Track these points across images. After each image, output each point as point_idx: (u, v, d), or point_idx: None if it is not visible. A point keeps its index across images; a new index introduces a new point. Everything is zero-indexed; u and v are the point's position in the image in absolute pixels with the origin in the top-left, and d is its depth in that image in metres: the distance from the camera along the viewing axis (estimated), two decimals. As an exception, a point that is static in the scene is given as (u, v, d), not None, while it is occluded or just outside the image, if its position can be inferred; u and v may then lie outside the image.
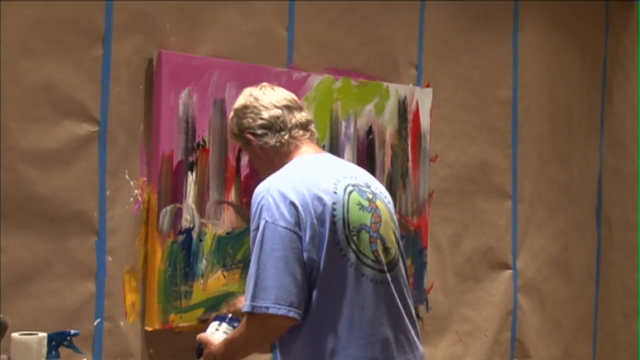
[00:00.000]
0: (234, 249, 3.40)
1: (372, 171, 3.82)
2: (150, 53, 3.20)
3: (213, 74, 3.32)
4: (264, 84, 2.55)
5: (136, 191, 3.19)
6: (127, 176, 3.17)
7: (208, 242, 3.32)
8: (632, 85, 5.02)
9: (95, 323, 3.10)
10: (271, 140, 2.45)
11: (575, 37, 4.89)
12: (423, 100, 4.08)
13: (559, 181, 4.85)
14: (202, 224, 3.30)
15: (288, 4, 3.63)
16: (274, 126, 2.46)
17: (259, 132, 2.46)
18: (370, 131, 3.84)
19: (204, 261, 3.31)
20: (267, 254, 2.26)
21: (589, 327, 5.06)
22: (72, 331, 2.74)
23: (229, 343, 2.39)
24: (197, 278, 3.30)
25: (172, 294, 3.23)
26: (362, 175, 2.48)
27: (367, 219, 2.36)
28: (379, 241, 2.37)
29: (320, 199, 2.31)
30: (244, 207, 3.42)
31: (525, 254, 4.67)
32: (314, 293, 2.28)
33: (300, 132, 2.47)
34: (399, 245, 2.45)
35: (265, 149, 2.46)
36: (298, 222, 2.27)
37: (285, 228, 2.26)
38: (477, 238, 4.45)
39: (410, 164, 4.00)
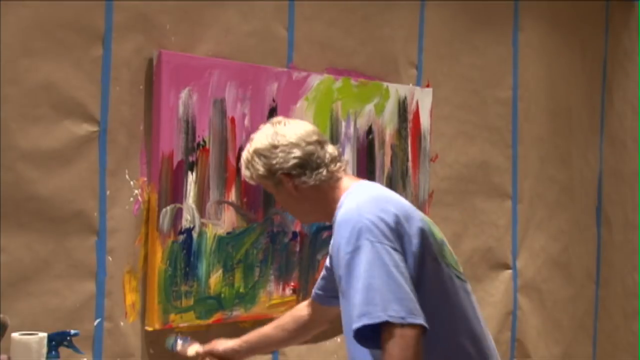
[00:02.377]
0: (235, 249, 3.40)
1: (372, 171, 3.83)
2: (150, 53, 3.20)
3: (213, 74, 3.32)
4: (279, 118, 2.43)
5: (136, 191, 3.19)
6: (127, 176, 3.17)
7: (208, 242, 3.32)
8: (632, 85, 5.02)
9: (95, 323, 3.10)
10: (309, 179, 2.34)
11: (575, 37, 4.89)
12: (423, 100, 4.08)
13: (559, 181, 4.85)
14: (202, 224, 3.30)
15: (288, 4, 3.63)
16: (309, 164, 2.35)
17: (294, 172, 2.35)
18: (370, 131, 3.84)
19: (204, 261, 3.31)
20: (387, 271, 2.14)
21: (589, 327, 5.06)
22: (72, 331, 2.74)
23: None
24: (198, 278, 3.29)
25: (173, 294, 3.23)
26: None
27: (440, 233, 2.35)
28: (453, 254, 2.37)
29: (412, 214, 2.27)
30: (244, 207, 3.42)
31: (525, 254, 4.67)
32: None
33: (338, 165, 2.39)
34: None
35: (301, 189, 2.36)
36: (398, 240, 2.20)
37: (392, 248, 2.17)
38: (477, 238, 4.44)
39: (410, 164, 4.00)
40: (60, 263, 3.01)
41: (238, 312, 3.41)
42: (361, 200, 2.27)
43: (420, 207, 4.05)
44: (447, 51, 4.27)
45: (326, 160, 2.36)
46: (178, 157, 3.23)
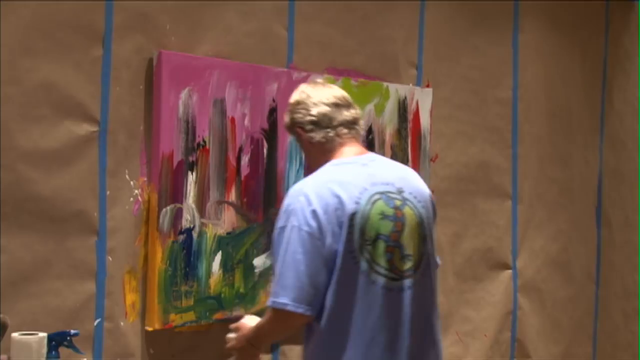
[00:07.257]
0: (235, 249, 3.40)
1: (372, 171, 3.83)
2: (150, 53, 3.20)
3: (213, 74, 3.32)
4: (319, 80, 2.71)
5: (136, 191, 3.19)
6: (127, 176, 3.17)
7: (208, 242, 3.32)
8: (632, 86, 5.02)
9: (95, 323, 3.10)
10: (317, 135, 2.59)
11: (575, 37, 4.89)
12: (423, 100, 4.08)
13: (559, 181, 4.86)
14: (202, 224, 3.30)
15: (288, 4, 3.63)
16: (321, 122, 2.59)
17: (308, 127, 2.60)
18: (370, 131, 3.84)
19: (204, 261, 3.31)
20: (291, 255, 2.42)
21: (589, 327, 5.06)
22: (72, 331, 2.74)
23: (258, 329, 2.55)
24: (198, 278, 3.30)
25: (173, 294, 3.23)
26: (398, 179, 2.55)
27: (387, 228, 2.46)
28: (396, 250, 2.47)
29: (342, 208, 2.43)
30: (244, 207, 3.42)
31: (525, 254, 4.67)
32: (328, 294, 2.42)
33: (345, 130, 2.59)
34: (425, 252, 2.53)
35: (312, 144, 2.60)
36: (320, 229, 2.41)
37: (308, 233, 2.41)
38: (477, 238, 4.45)
39: (410, 164, 4.00)
40: (60, 263, 3.01)
41: (238, 312, 3.41)
42: (310, 181, 2.50)
43: (420, 207, 4.05)
44: (447, 51, 4.28)
45: (335, 122, 2.59)
46: (178, 157, 3.23)
